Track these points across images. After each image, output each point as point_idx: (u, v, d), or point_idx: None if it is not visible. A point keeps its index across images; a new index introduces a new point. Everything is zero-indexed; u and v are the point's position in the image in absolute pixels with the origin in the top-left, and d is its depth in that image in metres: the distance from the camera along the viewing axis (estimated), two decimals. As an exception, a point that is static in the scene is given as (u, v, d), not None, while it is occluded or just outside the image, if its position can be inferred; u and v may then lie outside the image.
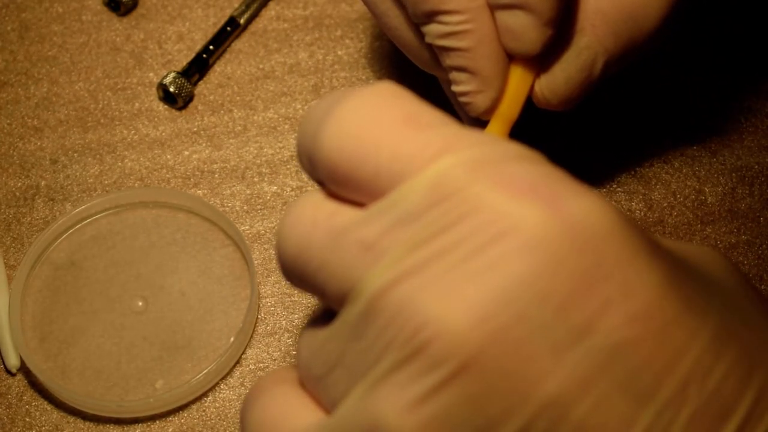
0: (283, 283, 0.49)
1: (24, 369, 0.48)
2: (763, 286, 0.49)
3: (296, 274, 0.30)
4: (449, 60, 0.43)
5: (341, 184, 0.30)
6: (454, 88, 0.43)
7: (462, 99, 0.43)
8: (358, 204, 0.29)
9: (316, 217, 0.29)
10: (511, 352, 0.26)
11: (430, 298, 0.27)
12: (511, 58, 0.42)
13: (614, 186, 0.52)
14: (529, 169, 0.28)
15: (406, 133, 0.28)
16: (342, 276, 0.28)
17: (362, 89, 0.30)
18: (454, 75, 0.43)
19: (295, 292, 0.49)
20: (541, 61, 0.43)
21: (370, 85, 0.30)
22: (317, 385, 0.30)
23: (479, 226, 0.27)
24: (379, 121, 0.29)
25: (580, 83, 0.43)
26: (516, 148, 0.28)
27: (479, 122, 0.44)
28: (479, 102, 0.43)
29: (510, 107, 0.43)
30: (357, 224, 0.29)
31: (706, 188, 0.52)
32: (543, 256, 0.26)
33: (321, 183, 0.31)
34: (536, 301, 0.26)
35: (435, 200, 0.27)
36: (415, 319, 0.26)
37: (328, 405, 0.30)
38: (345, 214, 0.29)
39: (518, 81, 0.43)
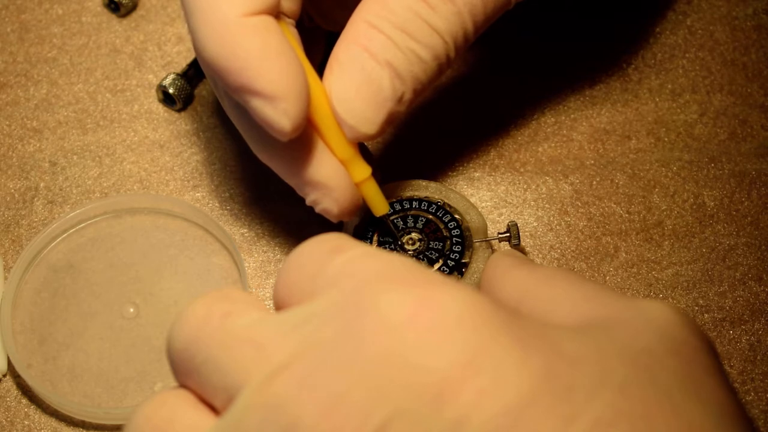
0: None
1: (14, 373, 0.47)
2: (762, 287, 0.49)
3: (183, 367, 0.33)
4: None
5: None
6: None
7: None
8: None
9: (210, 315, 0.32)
10: None
11: (307, 397, 0.28)
12: None
13: (613, 189, 0.52)
14: (405, 270, 0.30)
15: (328, 258, 0.31)
16: (230, 372, 0.30)
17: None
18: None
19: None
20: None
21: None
22: None
23: (358, 325, 0.28)
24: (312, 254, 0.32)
25: (369, 96, 0.42)
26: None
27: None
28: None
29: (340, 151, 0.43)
30: (250, 327, 0.31)
31: (704, 192, 0.52)
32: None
33: None
34: (412, 396, 0.27)
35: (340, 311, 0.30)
36: (289, 417, 0.28)
37: None
38: (240, 316, 0.31)
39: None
